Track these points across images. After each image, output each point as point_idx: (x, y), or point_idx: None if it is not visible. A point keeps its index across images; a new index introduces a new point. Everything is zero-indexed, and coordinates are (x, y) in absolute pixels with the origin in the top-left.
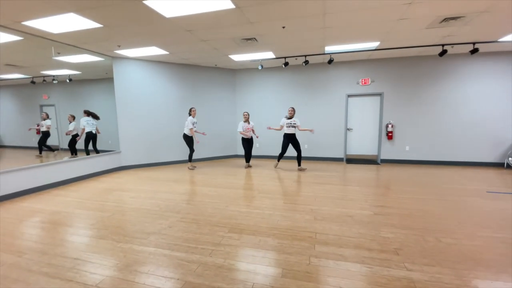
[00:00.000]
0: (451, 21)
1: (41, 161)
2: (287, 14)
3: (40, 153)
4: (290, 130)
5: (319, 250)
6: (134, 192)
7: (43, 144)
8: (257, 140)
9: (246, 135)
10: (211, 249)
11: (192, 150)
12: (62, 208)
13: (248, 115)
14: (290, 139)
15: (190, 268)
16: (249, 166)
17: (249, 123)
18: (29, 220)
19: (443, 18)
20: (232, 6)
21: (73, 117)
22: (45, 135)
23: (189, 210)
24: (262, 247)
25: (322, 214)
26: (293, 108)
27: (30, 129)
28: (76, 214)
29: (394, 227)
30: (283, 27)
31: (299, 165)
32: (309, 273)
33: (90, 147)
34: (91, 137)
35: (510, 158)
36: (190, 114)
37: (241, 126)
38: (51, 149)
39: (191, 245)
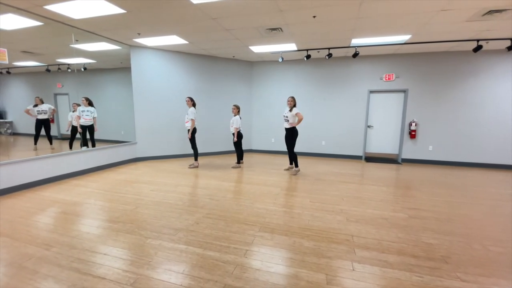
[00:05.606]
0: (495, 14)
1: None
2: (321, 2)
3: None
4: (284, 124)
5: (360, 255)
6: (154, 185)
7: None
8: (272, 134)
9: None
10: (245, 249)
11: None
12: (84, 199)
13: (235, 107)
14: (285, 135)
15: (227, 270)
16: (235, 166)
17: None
18: (52, 211)
19: (487, 11)
20: None
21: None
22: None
23: (213, 206)
24: (299, 249)
25: (354, 216)
26: (292, 97)
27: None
28: (98, 206)
29: (434, 232)
30: (314, 17)
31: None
32: (356, 280)
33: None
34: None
35: None
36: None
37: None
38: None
39: (223, 244)
